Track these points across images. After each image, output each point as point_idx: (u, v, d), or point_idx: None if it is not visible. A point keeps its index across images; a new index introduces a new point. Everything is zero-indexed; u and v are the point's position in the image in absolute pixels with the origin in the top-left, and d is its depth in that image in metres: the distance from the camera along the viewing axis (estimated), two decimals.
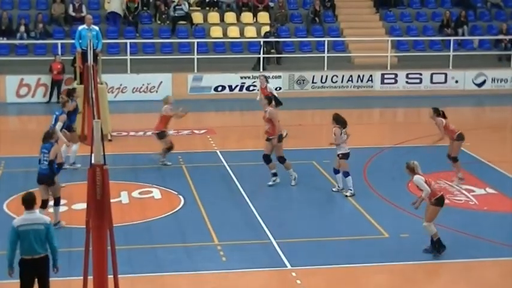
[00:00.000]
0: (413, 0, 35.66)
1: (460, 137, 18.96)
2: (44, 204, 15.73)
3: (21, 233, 11.39)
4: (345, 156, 18.16)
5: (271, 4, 34.25)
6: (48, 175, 15.77)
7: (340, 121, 18.15)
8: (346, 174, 18.24)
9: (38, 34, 31.33)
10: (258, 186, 18.96)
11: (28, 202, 11.54)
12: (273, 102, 19.71)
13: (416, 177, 14.80)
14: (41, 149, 15.87)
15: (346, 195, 18.16)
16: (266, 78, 23.56)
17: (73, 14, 32.18)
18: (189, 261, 14.60)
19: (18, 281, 11.66)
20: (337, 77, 30.97)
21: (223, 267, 14.40)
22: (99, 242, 10.56)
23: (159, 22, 33.13)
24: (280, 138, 18.89)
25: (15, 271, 11.62)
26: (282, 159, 18.96)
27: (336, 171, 18.44)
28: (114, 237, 10.58)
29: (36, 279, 11.68)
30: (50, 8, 32.75)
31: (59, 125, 18.70)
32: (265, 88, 22.96)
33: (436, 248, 14.87)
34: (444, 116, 18.88)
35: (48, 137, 15.88)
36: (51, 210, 16.00)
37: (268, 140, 18.83)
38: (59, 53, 29.71)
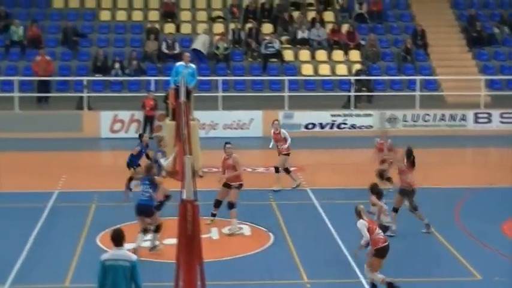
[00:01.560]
0: (507, 39, 35.13)
1: None
2: (146, 231, 16.31)
3: (107, 267, 11.43)
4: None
5: (363, 42, 34.18)
6: (148, 206, 16.13)
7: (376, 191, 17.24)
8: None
9: (132, 71, 31.94)
10: (347, 224, 18.77)
11: (116, 238, 11.58)
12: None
13: (359, 222, 14.40)
14: (142, 181, 16.22)
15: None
16: (279, 124, 22.95)
17: (166, 51, 32.72)
18: None
19: None
20: (429, 115, 30.64)
21: None
22: (189, 278, 10.58)
23: (250, 59, 33.42)
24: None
25: None
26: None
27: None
28: (204, 273, 10.59)
29: None
30: (144, 45, 33.38)
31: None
32: (278, 133, 22.52)
33: None
34: None
35: (149, 170, 16.30)
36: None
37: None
38: (152, 89, 30.21)
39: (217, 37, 33.41)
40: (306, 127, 30.33)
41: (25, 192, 21.77)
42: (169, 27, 34.53)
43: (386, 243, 14.49)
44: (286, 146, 22.21)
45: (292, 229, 18.42)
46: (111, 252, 11.59)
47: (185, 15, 35.60)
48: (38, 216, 19.29)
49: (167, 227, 17.70)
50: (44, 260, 16.55)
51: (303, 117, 30.30)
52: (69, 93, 31.21)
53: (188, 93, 23.04)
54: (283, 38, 34.20)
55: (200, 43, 32.90)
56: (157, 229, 16.74)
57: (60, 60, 32.84)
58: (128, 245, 16.23)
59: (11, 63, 32.60)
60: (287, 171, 22.28)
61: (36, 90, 31.30)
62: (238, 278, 15.56)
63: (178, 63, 24.08)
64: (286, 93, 30.68)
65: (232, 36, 34.00)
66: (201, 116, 27.90)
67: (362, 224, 14.42)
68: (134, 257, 11.66)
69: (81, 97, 30.33)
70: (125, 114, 29.82)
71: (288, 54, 33.60)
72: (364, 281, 15.26)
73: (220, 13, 35.64)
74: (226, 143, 19.03)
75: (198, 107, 26.32)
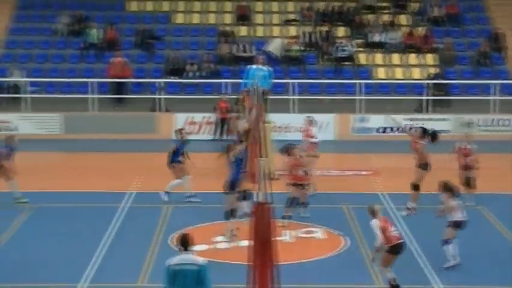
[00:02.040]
0: None
1: None
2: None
3: (174, 272, 11.34)
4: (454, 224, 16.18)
5: (438, 45, 33.81)
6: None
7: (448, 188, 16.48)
8: (444, 242, 16.13)
9: (206, 73, 32.15)
10: (422, 229, 18.59)
11: (183, 242, 11.50)
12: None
13: (372, 221, 14.32)
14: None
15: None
16: (312, 121, 22.56)
17: (240, 54, 32.84)
18: None
19: None
20: (506, 120, 30.15)
21: None
22: (262, 280, 10.59)
23: (323, 62, 33.34)
24: None
25: None
26: None
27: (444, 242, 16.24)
28: (277, 276, 10.59)
29: None
30: (218, 48, 33.57)
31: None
32: (309, 132, 22.14)
33: None
34: None
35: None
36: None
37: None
38: (226, 91, 30.36)
39: (290, 40, 33.41)
40: (379, 131, 30.12)
41: (100, 193, 22.07)
42: (243, 30, 34.69)
43: (400, 241, 14.49)
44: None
45: (366, 233, 18.26)
46: (178, 257, 11.47)
47: (259, 18, 35.71)
48: (111, 217, 19.55)
49: (241, 229, 17.76)
50: (117, 259, 16.75)
51: (376, 120, 30.11)
52: (144, 95, 31.58)
53: (263, 95, 23.07)
54: (357, 41, 34.04)
55: (274, 46, 32.95)
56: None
57: (135, 62, 33.24)
58: (199, 247, 16.50)
59: (88, 65, 33.12)
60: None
61: (112, 92, 31.74)
62: (311, 281, 15.52)
63: (251, 66, 24.15)
64: (359, 97, 30.53)
65: (305, 39, 33.98)
66: (274, 118, 27.88)
67: (374, 223, 14.40)
68: (202, 260, 11.50)
69: (156, 99, 30.64)
70: (198, 117, 30.03)
71: (362, 58, 33.44)
72: (436, 286, 15.10)
73: (293, 16, 35.66)
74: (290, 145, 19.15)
75: (271, 110, 26.34)
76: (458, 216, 16.02)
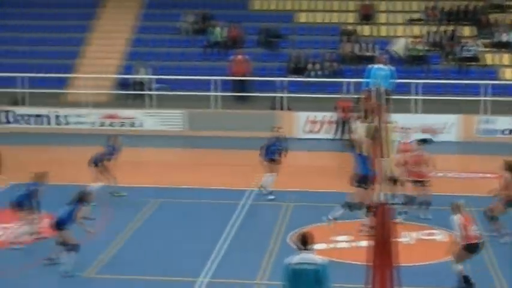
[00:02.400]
0: None
1: None
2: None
3: (294, 271, 11.27)
4: None
5: None
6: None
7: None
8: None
9: (328, 72, 32.12)
10: None
11: (303, 241, 11.42)
12: None
13: (453, 217, 14.38)
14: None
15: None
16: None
17: (362, 53, 32.68)
18: None
19: None
20: None
21: None
22: (382, 281, 10.53)
23: (447, 62, 32.81)
24: None
25: None
26: None
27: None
28: (397, 277, 10.50)
29: None
30: (340, 47, 33.48)
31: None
32: (408, 144, 20.80)
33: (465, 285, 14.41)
34: None
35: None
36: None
37: None
38: (348, 91, 30.26)
39: (414, 40, 33.02)
40: (504, 132, 29.45)
41: (220, 189, 22.34)
42: (366, 30, 34.49)
43: (477, 241, 14.53)
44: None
45: (491, 237, 17.89)
46: (298, 256, 11.40)
47: (382, 18, 35.43)
48: (232, 214, 19.77)
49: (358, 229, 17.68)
50: (236, 256, 16.93)
51: (502, 122, 29.44)
52: (266, 93, 31.79)
53: (385, 95, 22.87)
54: (483, 41, 33.35)
55: (398, 46, 32.65)
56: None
57: (258, 61, 33.50)
58: (319, 245, 16.50)
59: (212, 63, 33.58)
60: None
61: (234, 89, 32.10)
62: (432, 283, 15.30)
63: (373, 65, 23.99)
64: (484, 98, 29.91)
65: (429, 38, 33.52)
66: (396, 119, 27.56)
67: (455, 219, 14.51)
68: (321, 260, 11.40)
69: (278, 97, 30.80)
70: (319, 116, 30.02)
71: (488, 58, 32.73)
72: None
73: (418, 15, 35.22)
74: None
75: (394, 110, 26.10)
76: None
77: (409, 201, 18.79)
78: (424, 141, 19.52)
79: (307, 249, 11.39)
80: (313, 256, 11.41)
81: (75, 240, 15.64)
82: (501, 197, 17.53)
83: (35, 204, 17.26)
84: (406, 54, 32.69)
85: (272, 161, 21.22)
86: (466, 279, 14.69)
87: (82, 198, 15.82)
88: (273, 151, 21.17)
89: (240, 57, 31.98)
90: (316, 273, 11.20)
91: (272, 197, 21.08)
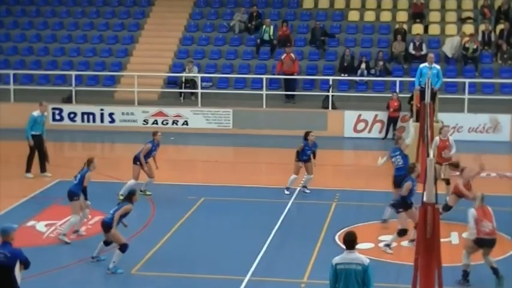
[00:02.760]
0: None
1: None
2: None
3: (338, 271, 11.37)
4: None
5: None
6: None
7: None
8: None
9: (378, 71, 31.94)
10: None
11: (348, 242, 11.48)
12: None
13: (470, 209, 14.85)
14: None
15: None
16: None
17: (413, 52, 32.43)
18: None
19: None
20: None
21: None
22: (426, 281, 10.45)
23: (500, 62, 32.39)
24: None
25: None
26: None
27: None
28: (441, 277, 10.41)
29: None
30: (391, 46, 33.25)
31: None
32: (446, 140, 20.76)
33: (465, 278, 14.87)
34: None
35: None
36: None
37: None
38: (397, 90, 30.05)
39: (466, 38, 32.65)
40: None
41: (267, 188, 22.33)
42: (418, 28, 34.18)
43: (488, 237, 14.77)
44: (451, 153, 20.95)
45: None
46: (343, 256, 11.48)
47: (434, 16, 35.09)
48: (278, 212, 19.74)
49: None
50: (283, 255, 16.91)
51: None
52: (315, 92, 31.70)
53: (433, 94, 22.71)
54: None
55: (450, 45, 32.33)
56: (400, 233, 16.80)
57: (307, 59, 33.42)
58: (364, 245, 16.43)
59: (261, 62, 33.59)
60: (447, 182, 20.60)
61: (283, 88, 32.06)
62: (475, 283, 15.13)
63: (422, 65, 23.93)
64: None
65: (482, 37, 33.13)
66: (445, 118, 27.36)
67: (471, 212, 14.86)
68: (366, 260, 11.46)
69: (327, 96, 30.70)
70: (368, 115, 29.86)
71: None
72: None
73: (470, 14, 34.82)
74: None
75: (443, 109, 25.87)
76: None
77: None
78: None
79: (352, 249, 11.42)
80: (359, 256, 11.47)
81: (124, 239, 15.74)
82: None
83: (81, 193, 17.39)
84: (456, 54, 32.30)
85: (305, 161, 21.44)
86: (464, 274, 15.02)
87: (129, 198, 15.92)
88: (305, 153, 21.44)
89: (287, 55, 31.88)
90: (362, 273, 11.28)
91: (287, 192, 21.31)
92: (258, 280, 15.44)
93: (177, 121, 30.60)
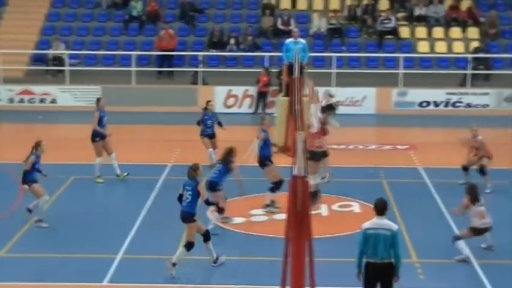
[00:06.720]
0: None
1: None
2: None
3: (368, 236, 11.93)
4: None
5: (482, 19, 33.38)
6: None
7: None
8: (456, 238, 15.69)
9: (247, 47, 32.13)
10: (458, 204, 18.44)
11: (379, 208, 12.03)
12: None
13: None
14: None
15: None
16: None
17: (281, 27, 32.75)
18: None
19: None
20: None
21: (420, 285, 14.16)
22: (297, 253, 10.63)
23: (365, 36, 33.11)
24: None
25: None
26: None
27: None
28: (312, 249, 10.63)
29: (379, 284, 12.07)
30: (260, 21, 33.49)
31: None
32: (475, 141, 20.11)
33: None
34: None
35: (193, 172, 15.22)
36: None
37: None
38: (267, 65, 30.33)
39: (331, 14, 33.20)
40: (420, 105, 29.92)
41: (140, 165, 22.20)
42: (285, 3, 34.51)
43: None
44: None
45: (402, 207, 18.25)
46: (373, 221, 12.03)
47: None
48: (151, 189, 19.68)
49: (279, 202, 17.80)
50: (156, 231, 16.89)
51: (417, 95, 29.92)
52: (185, 68, 31.65)
53: (301, 69, 23.02)
54: (400, 15, 33.73)
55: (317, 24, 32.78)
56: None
57: (178, 35, 33.27)
58: (236, 219, 16.54)
59: (130, 38, 33.25)
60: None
61: (154, 64, 31.86)
62: (347, 254, 15.49)
63: (288, 40, 24.18)
64: (401, 71, 30.32)
65: (348, 12, 33.76)
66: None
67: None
68: (395, 226, 12.08)
69: (197, 72, 30.71)
70: (238, 90, 30.06)
71: (404, 31, 33.12)
72: (475, 262, 15.02)
73: None
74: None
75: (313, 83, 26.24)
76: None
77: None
78: (330, 107, 19.18)
79: (381, 216, 11.99)
80: (389, 222, 12.10)
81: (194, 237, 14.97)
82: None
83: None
84: (324, 29, 32.79)
85: (209, 136, 21.36)
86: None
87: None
88: (208, 126, 21.32)
89: (166, 31, 31.71)
90: (391, 238, 11.92)
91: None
92: (130, 258, 15.39)
93: (45, 99, 30.03)
